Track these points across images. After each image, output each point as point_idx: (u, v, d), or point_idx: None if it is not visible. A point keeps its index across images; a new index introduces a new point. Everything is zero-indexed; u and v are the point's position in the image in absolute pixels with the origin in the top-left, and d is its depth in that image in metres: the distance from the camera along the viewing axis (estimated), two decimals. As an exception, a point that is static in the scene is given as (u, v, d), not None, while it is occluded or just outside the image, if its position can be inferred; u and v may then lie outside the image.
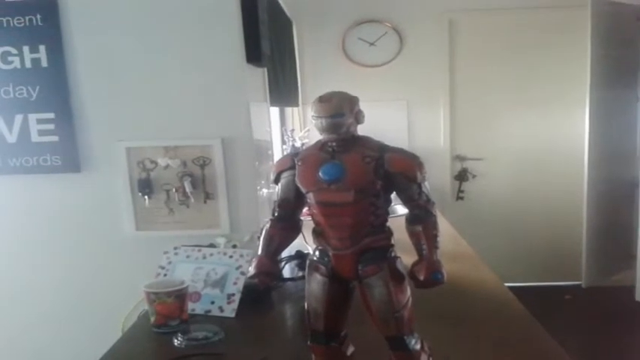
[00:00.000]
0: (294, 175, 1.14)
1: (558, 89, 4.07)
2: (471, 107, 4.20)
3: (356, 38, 4.08)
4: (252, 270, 1.18)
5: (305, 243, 2.31)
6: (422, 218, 1.09)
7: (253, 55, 1.93)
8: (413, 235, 1.10)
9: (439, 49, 4.12)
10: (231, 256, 1.67)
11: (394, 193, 1.11)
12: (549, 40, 4.02)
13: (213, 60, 1.91)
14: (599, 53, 3.55)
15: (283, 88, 2.93)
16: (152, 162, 1.94)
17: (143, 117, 1.96)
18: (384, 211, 1.13)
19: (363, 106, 1.09)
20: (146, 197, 1.93)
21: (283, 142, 3.59)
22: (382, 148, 1.10)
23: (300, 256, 2.16)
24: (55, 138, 1.95)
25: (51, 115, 1.95)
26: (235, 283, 1.59)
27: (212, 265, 1.66)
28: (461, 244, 2.20)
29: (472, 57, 4.14)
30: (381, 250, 1.10)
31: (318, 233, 1.14)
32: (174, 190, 1.93)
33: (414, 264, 1.08)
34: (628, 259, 3.94)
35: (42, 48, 1.92)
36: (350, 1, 4.06)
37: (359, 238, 1.09)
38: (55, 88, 1.94)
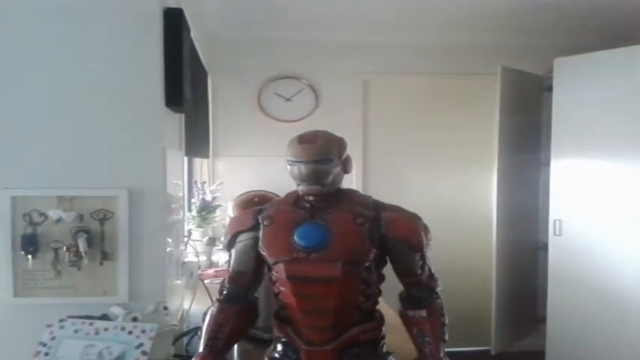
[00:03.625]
0: (256, 238, 0.88)
1: (467, 152, 4.16)
2: (383, 167, 4.20)
3: (272, 93, 3.99)
4: None
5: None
6: (424, 301, 0.87)
7: (173, 98, 1.72)
8: (413, 322, 0.86)
9: (354, 109, 4.11)
10: (130, 332, 1.42)
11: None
12: (459, 104, 4.14)
13: (126, 99, 1.68)
14: (507, 119, 3.67)
15: (196, 138, 2.72)
16: (41, 215, 1.64)
17: (36, 161, 1.67)
18: (376, 291, 0.89)
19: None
20: (29, 257, 1.62)
21: (191, 196, 3.35)
22: (377, 206, 0.89)
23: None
24: None
25: None
26: (135, 366, 1.32)
27: (106, 343, 1.39)
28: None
29: (385, 117, 4.16)
30: (370, 345, 0.86)
31: (283, 319, 0.87)
32: (64, 248, 1.64)
33: None
34: (534, 322, 4.00)
35: None
36: (267, 57, 4.00)
37: (343, 327, 0.83)
38: None
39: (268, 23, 3.77)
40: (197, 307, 2.09)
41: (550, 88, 3.64)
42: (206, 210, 3.26)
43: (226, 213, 3.15)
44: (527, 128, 3.91)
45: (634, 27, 3.70)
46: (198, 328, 1.92)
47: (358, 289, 0.83)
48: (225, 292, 0.90)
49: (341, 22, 3.77)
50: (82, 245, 1.62)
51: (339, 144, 0.85)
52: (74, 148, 1.68)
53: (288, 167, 0.84)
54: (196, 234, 3.09)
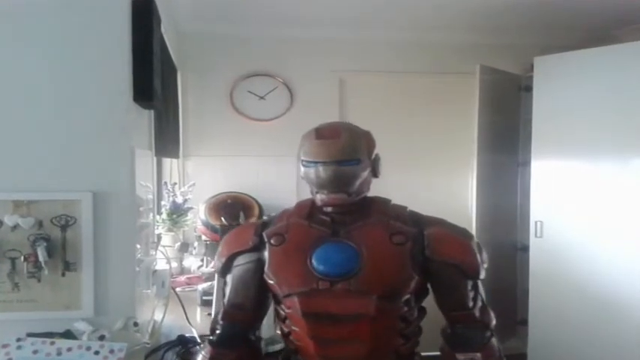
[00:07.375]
0: (259, 262, 0.67)
1: (445, 153, 4.09)
2: (360, 168, 4.09)
3: (245, 91, 3.85)
4: None
5: (189, 323, 1.93)
6: (476, 341, 0.69)
7: (142, 92, 1.57)
8: None
9: (329, 107, 4.00)
10: (97, 352, 1.28)
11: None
12: (437, 104, 4.07)
13: (90, 93, 1.54)
14: (485, 119, 3.61)
15: (166, 136, 2.57)
16: (-5, 221, 1.49)
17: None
18: (417, 330, 0.70)
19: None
20: (-18, 268, 1.47)
21: (160, 198, 3.19)
22: (416, 220, 0.69)
23: (182, 342, 1.79)
24: None
25: None
26: (102, 392, 1.18)
27: (70, 365, 1.24)
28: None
29: (362, 117, 3.96)
30: None
31: None
32: (22, 258, 1.49)
33: None
34: (514, 325, 3.95)
35: None
36: (240, 54, 3.87)
37: None
38: None
39: (241, 18, 3.64)
40: (169, 318, 1.95)
41: (528, 88, 3.60)
42: (177, 213, 3.11)
43: (198, 216, 3.01)
44: (505, 128, 3.85)
45: (613, 26, 3.69)
46: (170, 343, 1.79)
47: (396, 328, 0.65)
48: (218, 332, 0.70)
49: (316, 19, 3.66)
50: (41, 254, 1.48)
51: (367, 139, 0.68)
52: (32, 147, 1.54)
53: (303, 169, 0.65)
54: (166, 239, 2.93)
